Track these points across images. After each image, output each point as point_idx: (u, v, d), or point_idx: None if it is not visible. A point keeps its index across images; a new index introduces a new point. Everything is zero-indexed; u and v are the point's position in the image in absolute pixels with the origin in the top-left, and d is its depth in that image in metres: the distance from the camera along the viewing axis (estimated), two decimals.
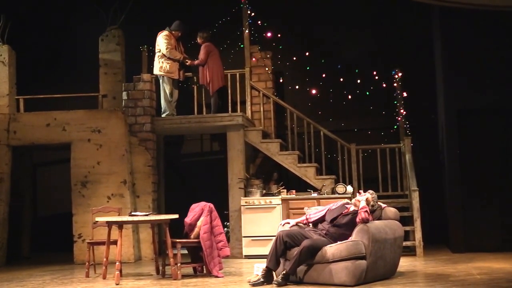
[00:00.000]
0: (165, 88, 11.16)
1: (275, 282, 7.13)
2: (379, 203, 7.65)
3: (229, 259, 10.01)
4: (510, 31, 10.26)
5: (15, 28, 11.66)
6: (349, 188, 10.37)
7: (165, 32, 11.19)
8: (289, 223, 7.77)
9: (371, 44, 12.13)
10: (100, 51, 11.65)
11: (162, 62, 11.10)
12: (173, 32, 11.26)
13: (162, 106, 11.28)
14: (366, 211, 7.22)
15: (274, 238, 7.46)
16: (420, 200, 10.06)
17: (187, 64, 11.29)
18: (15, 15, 11.99)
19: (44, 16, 13.19)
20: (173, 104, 11.27)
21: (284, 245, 7.26)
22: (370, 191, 7.56)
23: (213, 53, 11.28)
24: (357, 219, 7.24)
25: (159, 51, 11.16)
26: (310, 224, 7.74)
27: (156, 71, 11.20)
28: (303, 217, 7.83)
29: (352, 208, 7.48)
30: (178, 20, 11.35)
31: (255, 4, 11.76)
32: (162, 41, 11.12)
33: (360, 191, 7.91)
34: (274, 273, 7.32)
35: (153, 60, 11.26)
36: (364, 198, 7.40)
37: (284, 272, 7.14)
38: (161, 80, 11.22)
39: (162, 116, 11.24)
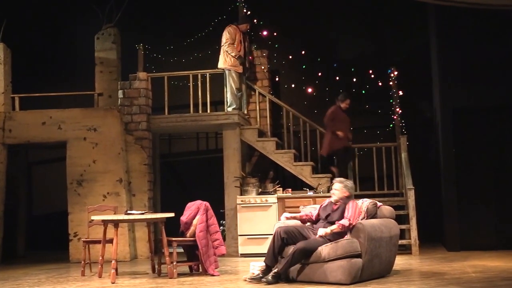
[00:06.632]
0: (231, 82, 11.05)
1: (265, 280, 7.09)
2: (374, 200, 7.66)
3: (225, 258, 10.01)
4: (506, 30, 10.26)
5: (11, 26, 11.62)
6: None
7: (230, 26, 11.10)
8: (287, 217, 7.68)
9: (367, 43, 12.14)
10: (96, 49, 11.64)
11: (227, 56, 11.03)
12: (240, 26, 11.18)
13: (228, 100, 11.12)
14: (350, 219, 7.17)
15: (271, 236, 7.42)
16: (415, 199, 10.07)
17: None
18: (11, 13, 11.96)
19: (39, 14, 13.17)
20: (240, 98, 11.19)
21: (281, 241, 7.23)
22: (343, 181, 7.53)
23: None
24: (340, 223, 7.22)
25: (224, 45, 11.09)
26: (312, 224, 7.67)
27: (220, 64, 11.10)
28: (302, 213, 7.78)
29: (333, 198, 7.46)
30: (244, 13, 11.28)
31: (251, 3, 11.75)
32: (224, 35, 11.04)
33: (334, 181, 7.75)
34: (273, 270, 7.29)
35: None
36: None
37: (275, 270, 7.11)
38: (227, 73, 11.10)
39: (228, 110, 11.06)
